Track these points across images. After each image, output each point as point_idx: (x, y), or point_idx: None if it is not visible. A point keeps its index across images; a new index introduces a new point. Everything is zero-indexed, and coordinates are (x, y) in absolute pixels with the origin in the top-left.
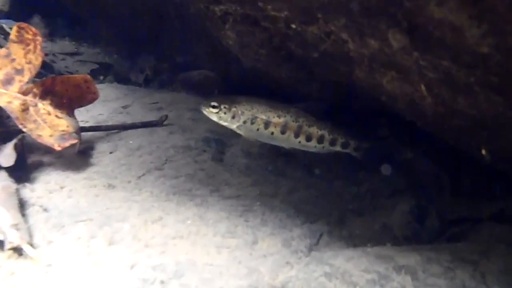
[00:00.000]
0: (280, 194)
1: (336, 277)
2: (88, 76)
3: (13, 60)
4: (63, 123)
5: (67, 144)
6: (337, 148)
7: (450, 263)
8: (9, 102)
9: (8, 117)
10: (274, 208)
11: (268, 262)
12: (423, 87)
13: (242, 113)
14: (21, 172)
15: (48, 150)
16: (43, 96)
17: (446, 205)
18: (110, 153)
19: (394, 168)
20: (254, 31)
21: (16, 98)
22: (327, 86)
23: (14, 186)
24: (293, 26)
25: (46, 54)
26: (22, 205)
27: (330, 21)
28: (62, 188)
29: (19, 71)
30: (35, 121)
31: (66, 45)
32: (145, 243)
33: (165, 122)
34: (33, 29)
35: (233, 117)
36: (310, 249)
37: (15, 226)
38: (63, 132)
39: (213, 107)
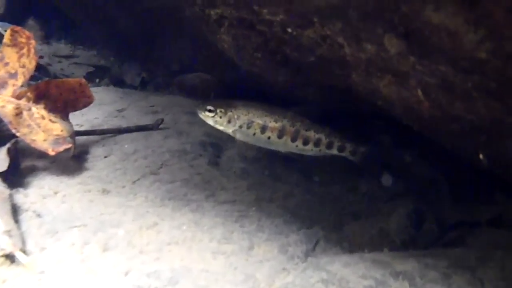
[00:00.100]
0: (277, 199)
1: (333, 283)
2: (83, 80)
3: (7, 64)
4: (57, 127)
5: (61, 148)
6: (334, 151)
7: (447, 269)
8: (2, 107)
9: (1, 121)
10: (271, 213)
11: (265, 268)
12: (420, 92)
13: (238, 117)
14: (15, 177)
15: (42, 154)
16: (37, 100)
17: (444, 209)
18: (105, 157)
19: (391, 172)
20: (249, 34)
21: (10, 102)
22: (323, 90)
23: (7, 191)
24: (289, 30)
25: (41, 57)
26: (15, 211)
27: (326, 25)
28: (56, 193)
29: (13, 75)
30: (28, 125)
31: (61, 47)
32: (140, 249)
33: (160, 126)
34: (27, 32)
35: (229, 121)
36: (307, 254)
37: (8, 233)
38: (57, 137)
39: (209, 111)
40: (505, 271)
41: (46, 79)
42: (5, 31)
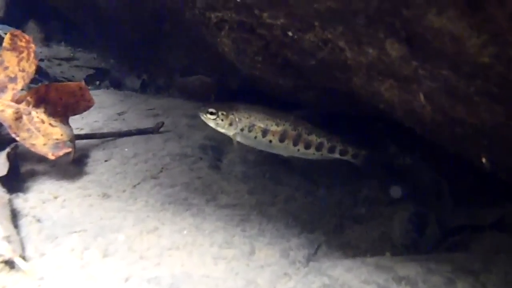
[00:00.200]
0: (278, 203)
1: None
2: (83, 84)
3: (6, 68)
4: (57, 131)
5: (61, 153)
6: (336, 155)
7: (451, 273)
8: (2, 111)
9: (1, 125)
10: (272, 217)
11: (266, 273)
12: (422, 96)
13: (240, 120)
14: (14, 181)
15: (41, 159)
16: (36, 104)
17: (446, 213)
18: (105, 161)
19: (393, 175)
20: (250, 38)
21: (9, 106)
22: (324, 94)
23: (6, 196)
24: (290, 33)
25: (41, 60)
26: (14, 216)
27: (327, 29)
28: (55, 198)
29: (12, 79)
30: (28, 129)
31: (61, 50)
32: (140, 255)
33: (161, 129)
34: (26, 36)
35: (231, 124)
36: (309, 259)
37: (7, 238)
38: (57, 141)
39: (211, 113)
40: (509, 276)
41: (46, 82)
42: (5, 34)
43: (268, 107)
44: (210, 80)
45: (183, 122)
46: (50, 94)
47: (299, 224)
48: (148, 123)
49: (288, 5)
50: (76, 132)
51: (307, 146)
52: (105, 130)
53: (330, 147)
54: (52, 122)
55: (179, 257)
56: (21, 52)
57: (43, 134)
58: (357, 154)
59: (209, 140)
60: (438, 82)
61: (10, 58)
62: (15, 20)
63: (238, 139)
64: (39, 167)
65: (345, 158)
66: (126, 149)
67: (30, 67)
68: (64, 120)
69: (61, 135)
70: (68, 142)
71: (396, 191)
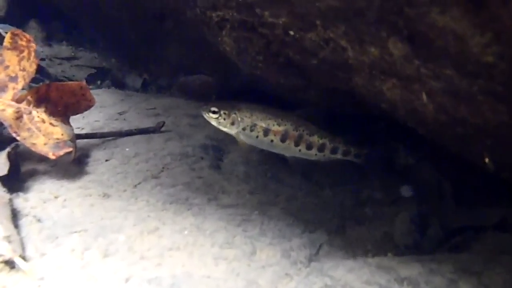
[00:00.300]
0: (279, 202)
1: None
2: (84, 83)
3: (7, 67)
4: (58, 131)
5: (61, 152)
6: (339, 156)
7: (453, 274)
8: (3, 110)
9: (1, 125)
10: (273, 217)
11: (267, 273)
12: (424, 95)
13: (242, 119)
14: (15, 181)
15: (42, 158)
16: (37, 104)
17: (448, 213)
18: (106, 161)
19: (395, 175)
20: (251, 37)
21: (10, 105)
22: (326, 93)
23: (7, 196)
24: (291, 32)
25: (42, 59)
26: (15, 216)
27: (329, 28)
28: (56, 197)
29: (13, 78)
30: (29, 129)
31: (63, 49)
32: (141, 255)
33: (162, 129)
34: (27, 35)
35: (233, 123)
36: (310, 259)
37: (7, 238)
38: (58, 140)
39: (213, 112)
40: (511, 277)
41: (47, 81)
42: (6, 33)
43: (271, 107)
44: (211, 79)
45: (184, 121)
46: (51, 93)
47: (301, 224)
48: (149, 123)
49: (289, 3)
50: (77, 131)
51: (309, 147)
52: (106, 130)
53: (332, 148)
54: (53, 121)
55: (180, 258)
56: (22, 51)
57: (43, 134)
58: (360, 153)
59: (210, 140)
60: (441, 82)
61: (10, 57)
62: (16, 19)
63: (240, 138)
64: (40, 167)
65: (348, 158)
66: (127, 149)
67: (30, 66)
68: (65, 120)
69: (62, 134)
70: (69, 142)
71: (398, 192)
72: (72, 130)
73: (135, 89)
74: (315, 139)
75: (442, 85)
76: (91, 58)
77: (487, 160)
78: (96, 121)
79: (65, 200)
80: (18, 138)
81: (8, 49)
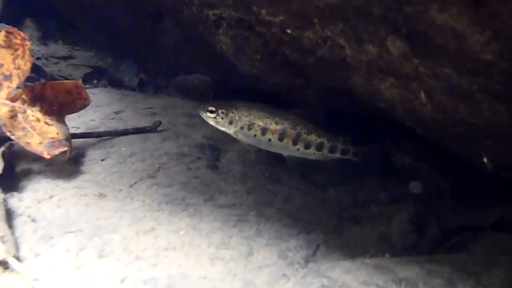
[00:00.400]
0: (276, 203)
1: None
2: (79, 82)
3: (1, 65)
4: (53, 130)
5: (56, 152)
6: (337, 154)
7: (451, 275)
8: None
9: None
10: (270, 217)
11: (264, 274)
12: (422, 94)
13: (239, 118)
14: (9, 181)
15: (37, 157)
16: (32, 103)
17: (446, 213)
18: (102, 160)
19: (392, 175)
20: (248, 36)
21: (4, 104)
22: (324, 92)
23: (1, 195)
24: (289, 31)
25: (38, 58)
26: (9, 215)
27: (327, 26)
28: (51, 197)
29: (7, 77)
30: (23, 128)
31: (59, 48)
32: (136, 255)
33: (158, 128)
34: (22, 33)
35: (230, 123)
36: (307, 260)
37: (1, 239)
38: (53, 140)
39: (211, 111)
40: (510, 277)
41: (43, 80)
42: (0, 31)
43: (268, 106)
44: (208, 78)
45: (181, 121)
46: (46, 92)
47: (298, 225)
48: (145, 122)
49: (287, 1)
50: (72, 131)
51: (307, 146)
52: (101, 129)
53: (330, 146)
54: (48, 120)
55: (176, 258)
56: (16, 50)
57: (38, 133)
58: (358, 152)
59: (207, 139)
60: (439, 80)
61: (5, 56)
62: (12, 18)
63: (238, 137)
64: (35, 166)
65: (346, 157)
66: (123, 148)
67: (25, 65)
68: (60, 119)
69: (57, 134)
70: (64, 141)
71: (396, 192)
72: (68, 129)
73: (132, 89)
74: (313, 138)
75: (441, 84)
76: (87, 57)
77: (485, 160)
78: (92, 120)
79: (60, 200)
80: (12, 137)
81: (2, 47)
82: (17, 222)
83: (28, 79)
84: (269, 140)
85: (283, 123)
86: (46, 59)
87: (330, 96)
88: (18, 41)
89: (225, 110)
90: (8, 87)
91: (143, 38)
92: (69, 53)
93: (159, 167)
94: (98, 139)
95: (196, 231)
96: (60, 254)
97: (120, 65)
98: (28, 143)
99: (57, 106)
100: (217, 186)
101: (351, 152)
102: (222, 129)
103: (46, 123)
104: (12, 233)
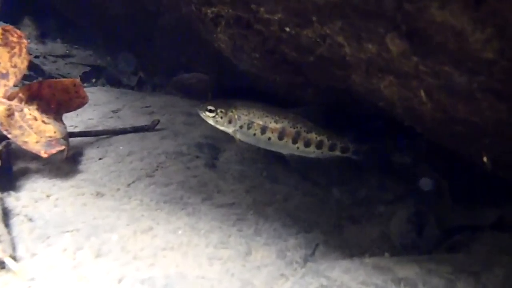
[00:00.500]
0: (275, 202)
1: None
2: (77, 80)
3: None
4: (50, 128)
5: (54, 150)
6: (337, 152)
7: (451, 275)
8: None
9: None
10: (269, 216)
11: (262, 274)
12: (422, 93)
13: (239, 117)
14: (6, 180)
15: (34, 156)
16: (29, 101)
17: (446, 212)
18: (99, 159)
19: (392, 174)
20: (247, 34)
21: (1, 103)
22: (323, 91)
23: None
24: (287, 29)
25: (36, 57)
26: (6, 215)
27: (326, 24)
28: (48, 196)
29: (4, 75)
30: (20, 127)
31: (57, 47)
32: (134, 255)
33: (156, 127)
34: (18, 31)
35: (230, 122)
36: (306, 260)
37: None
38: (50, 138)
39: (210, 111)
40: (510, 277)
41: (41, 79)
42: None
43: (268, 104)
44: (207, 77)
45: (179, 119)
46: (43, 90)
47: (297, 224)
48: (143, 121)
49: None
50: (70, 129)
51: (307, 144)
52: (99, 128)
53: (330, 144)
54: (45, 119)
55: (173, 258)
56: (13, 48)
57: (35, 132)
58: (358, 150)
59: (205, 138)
60: (439, 79)
61: (1, 54)
62: (10, 16)
63: (237, 136)
64: (32, 165)
65: (346, 155)
66: (121, 147)
67: (22, 63)
68: (58, 117)
69: (54, 132)
70: (61, 140)
71: (395, 191)
72: (65, 128)
73: (130, 87)
74: (313, 136)
75: (440, 82)
76: (86, 56)
77: (485, 159)
78: (90, 119)
79: (57, 199)
80: (9, 136)
81: None
82: (14, 221)
83: (26, 77)
84: (269, 139)
85: (282, 122)
86: (44, 57)
87: (330, 95)
88: (14, 39)
89: (224, 109)
90: (5, 85)
91: (142, 37)
92: (67, 51)
93: (157, 166)
94: (96, 138)
95: (194, 231)
96: (57, 253)
97: (118, 64)
98: (25, 142)
99: (54, 105)
100: (216, 185)
101: (351, 150)
102: (221, 128)
103: (43, 121)
104: (9, 233)
